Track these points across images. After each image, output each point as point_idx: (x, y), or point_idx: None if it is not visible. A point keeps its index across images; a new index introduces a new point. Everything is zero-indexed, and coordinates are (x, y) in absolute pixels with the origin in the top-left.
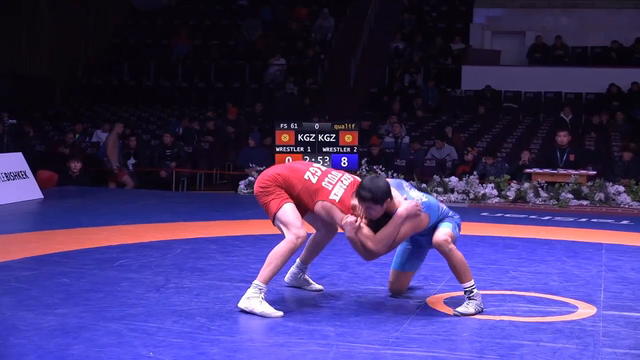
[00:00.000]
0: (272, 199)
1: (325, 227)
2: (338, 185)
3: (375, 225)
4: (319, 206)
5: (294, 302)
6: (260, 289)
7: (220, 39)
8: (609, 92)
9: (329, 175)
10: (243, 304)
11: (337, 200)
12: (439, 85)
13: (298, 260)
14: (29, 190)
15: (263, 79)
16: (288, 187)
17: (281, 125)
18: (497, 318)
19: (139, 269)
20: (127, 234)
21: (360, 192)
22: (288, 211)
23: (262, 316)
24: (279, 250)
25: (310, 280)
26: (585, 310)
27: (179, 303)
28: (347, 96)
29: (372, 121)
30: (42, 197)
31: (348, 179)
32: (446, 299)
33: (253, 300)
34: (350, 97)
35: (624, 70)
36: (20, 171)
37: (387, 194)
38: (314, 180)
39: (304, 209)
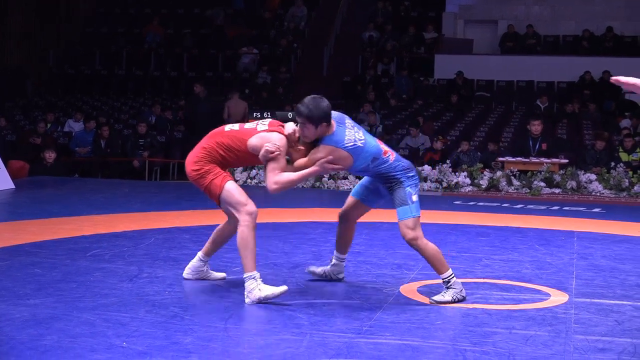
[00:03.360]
0: (211, 180)
1: (233, 217)
2: (259, 122)
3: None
4: (253, 140)
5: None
6: (253, 278)
7: (193, 28)
8: (582, 81)
9: (247, 124)
10: (248, 300)
11: (267, 128)
12: (411, 74)
13: (200, 253)
14: (0, 180)
15: (236, 68)
16: (217, 148)
17: (254, 114)
18: (470, 306)
19: (111, 259)
20: (100, 224)
21: (299, 106)
22: (231, 190)
23: (272, 298)
24: (242, 238)
25: (212, 271)
26: (557, 298)
27: (152, 293)
28: (321, 85)
29: (345, 110)
30: (14, 187)
31: (266, 120)
32: (420, 287)
33: (253, 291)
34: (324, 86)
35: (595, 59)
36: None
37: (325, 117)
38: (236, 127)
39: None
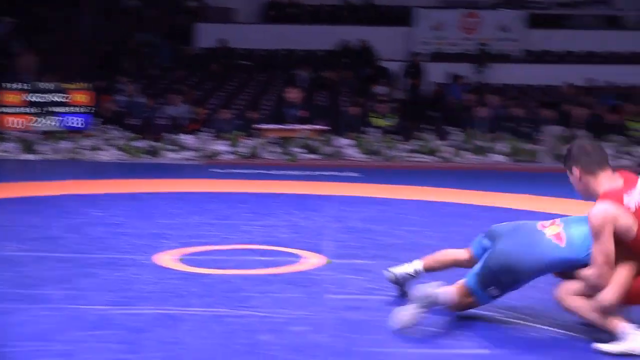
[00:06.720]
0: None
1: None
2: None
3: None
4: None
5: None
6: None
7: None
8: (341, 49)
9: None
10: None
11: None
12: (172, 42)
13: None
14: None
15: None
16: None
17: (9, 86)
18: (229, 272)
19: None
20: None
21: None
22: None
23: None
24: None
25: None
26: (313, 260)
27: None
28: (80, 55)
29: (106, 80)
30: None
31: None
32: (178, 256)
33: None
34: (83, 56)
35: (354, 28)
36: None
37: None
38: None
39: None
